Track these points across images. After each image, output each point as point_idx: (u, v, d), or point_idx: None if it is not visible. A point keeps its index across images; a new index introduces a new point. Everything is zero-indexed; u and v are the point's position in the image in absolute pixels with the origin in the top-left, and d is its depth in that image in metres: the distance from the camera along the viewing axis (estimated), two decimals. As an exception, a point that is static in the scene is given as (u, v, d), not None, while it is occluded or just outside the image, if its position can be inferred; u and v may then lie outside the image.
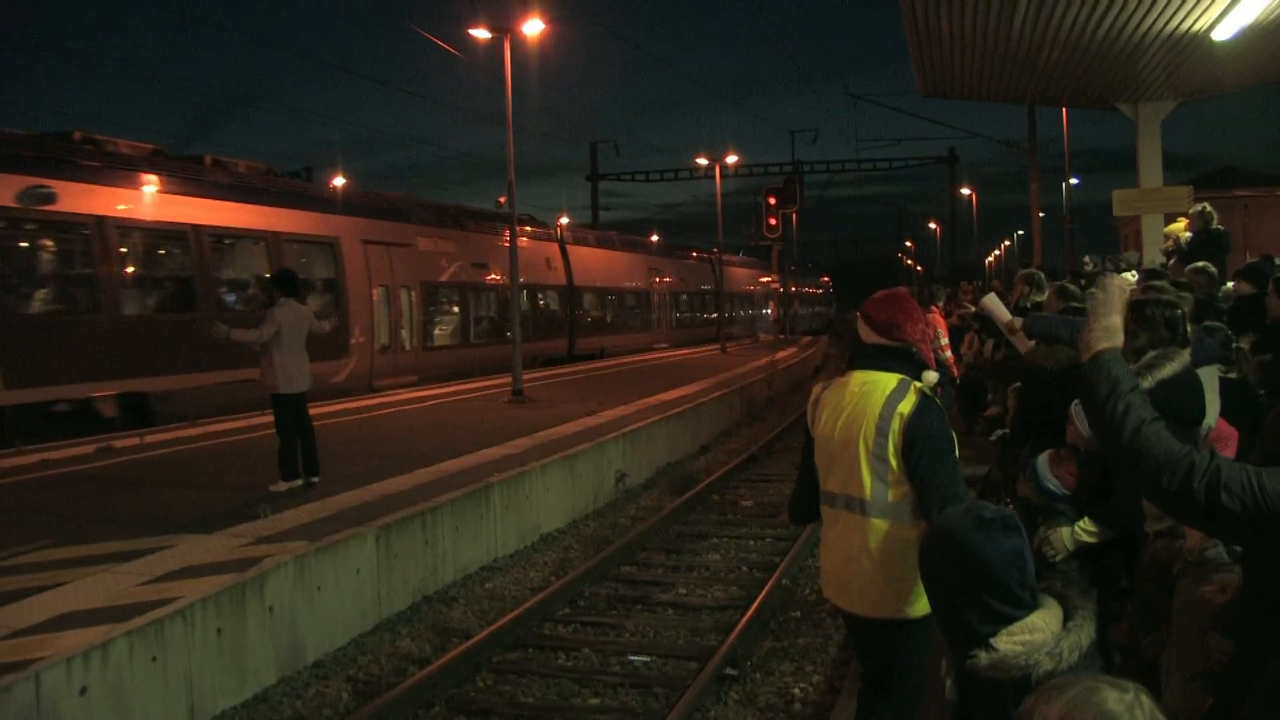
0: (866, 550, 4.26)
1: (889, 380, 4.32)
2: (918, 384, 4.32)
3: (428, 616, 9.35)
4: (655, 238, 54.67)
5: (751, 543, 12.10)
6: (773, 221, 44.63)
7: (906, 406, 4.20)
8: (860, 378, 4.40)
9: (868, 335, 4.48)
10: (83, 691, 6.08)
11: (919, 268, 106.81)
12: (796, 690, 7.59)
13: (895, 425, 4.19)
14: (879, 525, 4.24)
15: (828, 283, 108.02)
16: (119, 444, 14.95)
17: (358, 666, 8.16)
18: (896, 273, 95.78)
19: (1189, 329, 5.30)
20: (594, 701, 7.49)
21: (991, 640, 2.53)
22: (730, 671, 7.83)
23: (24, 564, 8.17)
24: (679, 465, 17.37)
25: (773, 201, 44.44)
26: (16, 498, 11.06)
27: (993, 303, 6.43)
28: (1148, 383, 4.90)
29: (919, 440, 4.17)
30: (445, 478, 11.60)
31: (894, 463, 4.20)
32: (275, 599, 7.85)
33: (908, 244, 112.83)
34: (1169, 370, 4.91)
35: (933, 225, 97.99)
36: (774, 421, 23.56)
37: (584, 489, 13.69)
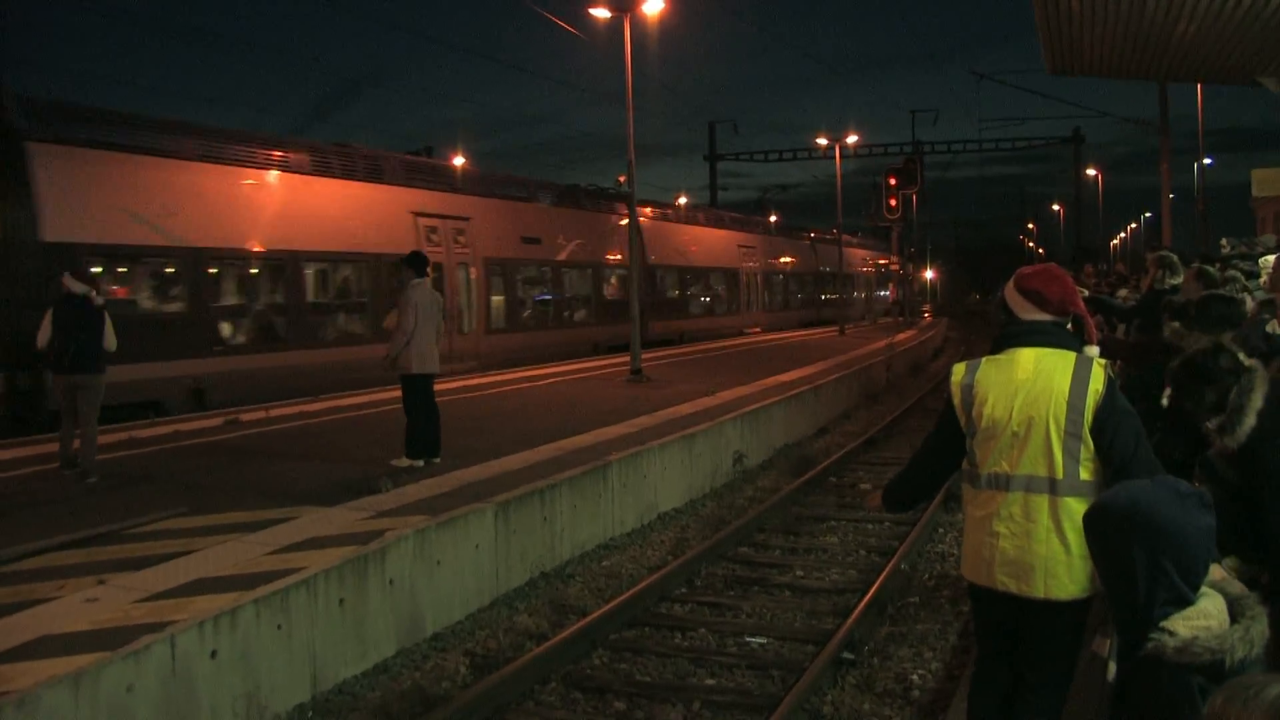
0: (1058, 530, 4.16)
1: (1068, 356, 4.25)
2: (1100, 360, 4.22)
3: (545, 593, 9.41)
4: (774, 218, 54.31)
5: (870, 526, 11.95)
6: (893, 202, 44.14)
7: (1099, 383, 4.15)
8: (1033, 354, 4.28)
9: (1031, 312, 4.37)
10: (213, 655, 6.23)
11: (1040, 250, 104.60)
12: (915, 677, 7.47)
13: (1090, 402, 4.12)
14: (1073, 504, 4.12)
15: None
16: (246, 417, 15.33)
17: (475, 640, 8.23)
18: (1018, 255, 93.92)
19: None
20: (710, 682, 7.46)
21: (1165, 624, 2.45)
22: (848, 656, 7.74)
23: (159, 530, 8.42)
24: (797, 447, 17.24)
25: (893, 182, 43.93)
26: (152, 466, 11.41)
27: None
28: None
29: (1115, 416, 4.13)
30: (564, 455, 11.66)
31: (1089, 440, 4.14)
32: (396, 572, 7.96)
33: (1030, 226, 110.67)
34: None
35: (1056, 207, 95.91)
36: (893, 404, 23.29)
37: (702, 469, 13.66)
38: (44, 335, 10.71)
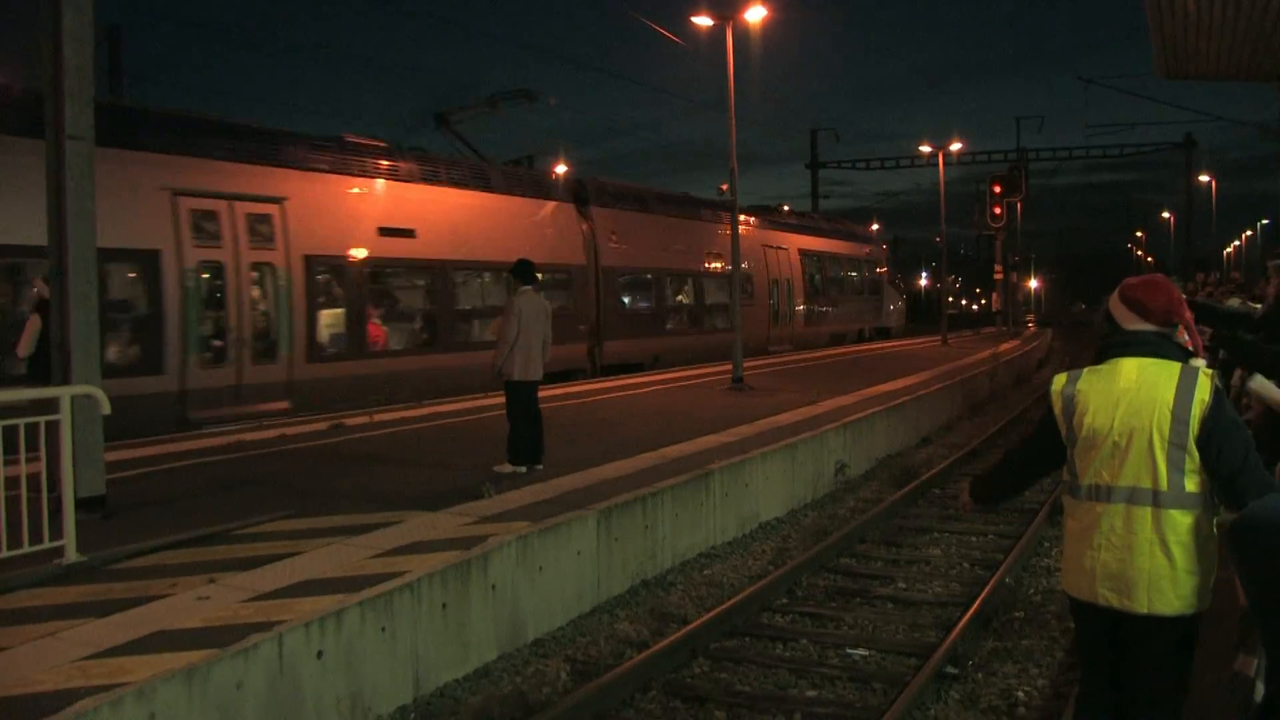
0: (1162, 544, 4.09)
1: (1173, 366, 4.18)
2: (1207, 370, 4.14)
3: (646, 601, 9.40)
4: (876, 226, 53.90)
5: (973, 539, 11.77)
6: (997, 210, 43.66)
7: (1205, 393, 4.07)
8: (1136, 364, 4.23)
9: (1135, 321, 4.33)
10: (319, 655, 6.32)
11: (1149, 259, 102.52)
12: (1020, 694, 7.32)
13: (1196, 412, 4.04)
14: (1178, 517, 4.07)
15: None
16: (350, 422, 15.58)
17: (576, 647, 8.24)
18: (1125, 264, 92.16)
19: None
20: (811, 693, 7.38)
21: None
22: (951, 670, 7.62)
23: (266, 532, 8.58)
24: (899, 457, 17.05)
25: (997, 190, 43.48)
26: (259, 469, 11.65)
27: (1262, 386, 5.97)
28: None
29: (1222, 427, 4.04)
30: (665, 463, 11.66)
31: (1194, 452, 4.05)
32: (498, 577, 8.00)
33: (1138, 234, 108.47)
34: None
35: (1166, 215, 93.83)
36: (996, 415, 22.94)
37: (803, 478, 13.57)
38: (28, 345, 10.66)
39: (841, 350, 35.85)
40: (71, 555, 7.42)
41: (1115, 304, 4.42)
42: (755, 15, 21.22)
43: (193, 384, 16.55)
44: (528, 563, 8.34)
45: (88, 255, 8.99)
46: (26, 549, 7.19)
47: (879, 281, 48.08)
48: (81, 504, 8.05)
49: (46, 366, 10.22)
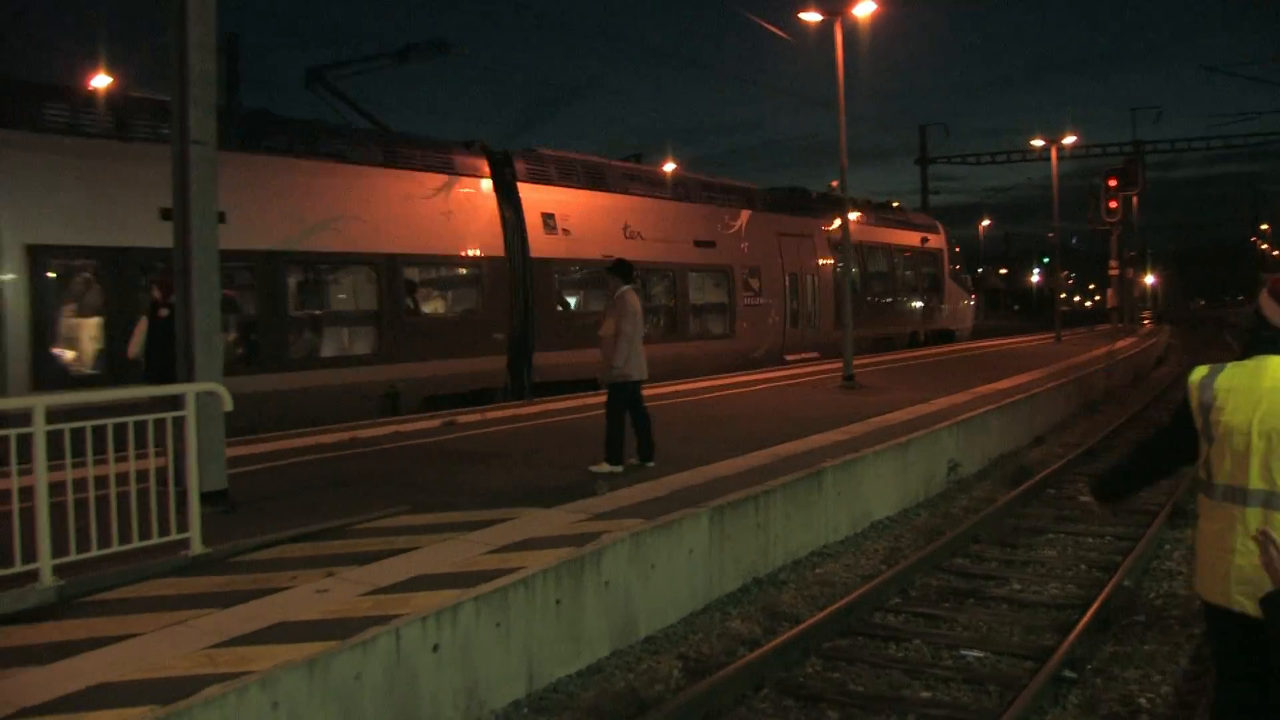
0: None
1: None
2: None
3: (758, 599, 9.37)
4: (987, 222, 53.01)
5: (1090, 540, 11.54)
6: (1113, 205, 42.74)
7: None
8: None
9: None
10: (435, 649, 6.41)
11: (1276, 253, 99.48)
12: (1142, 700, 7.14)
13: None
14: None
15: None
16: (462, 419, 15.79)
17: (688, 644, 8.24)
18: (1249, 259, 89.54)
19: None
20: (925, 694, 7.29)
21: None
22: (1069, 674, 7.47)
23: (382, 527, 8.72)
24: (1013, 456, 16.79)
25: (1113, 184, 42.55)
26: (375, 466, 11.87)
27: None
28: None
29: None
30: (777, 461, 11.62)
31: None
32: (611, 574, 8.04)
33: (1263, 227, 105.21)
34: None
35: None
36: (1113, 414, 22.44)
37: (916, 477, 13.43)
38: (136, 346, 10.84)
39: (953, 348, 35.36)
40: (197, 547, 7.63)
41: (1266, 300, 4.26)
42: (864, 10, 21.05)
43: None
44: (640, 560, 8.36)
45: (211, 257, 9.27)
46: (156, 540, 7.41)
47: (938, 275, 40.20)
48: (205, 498, 8.27)
49: (153, 366, 10.47)
